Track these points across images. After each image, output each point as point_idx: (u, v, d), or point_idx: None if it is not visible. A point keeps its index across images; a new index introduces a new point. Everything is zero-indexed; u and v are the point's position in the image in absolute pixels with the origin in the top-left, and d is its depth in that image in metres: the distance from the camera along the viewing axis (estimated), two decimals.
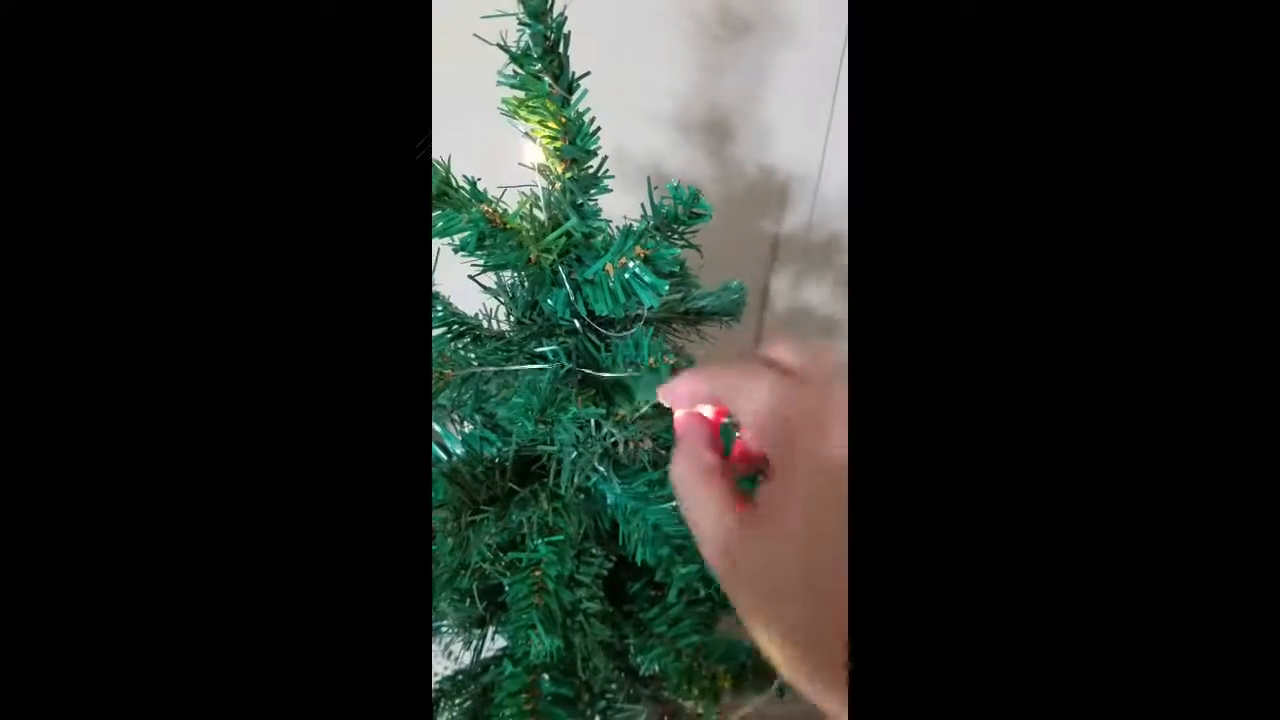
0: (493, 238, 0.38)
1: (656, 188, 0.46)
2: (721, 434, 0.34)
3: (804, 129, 0.79)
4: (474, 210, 0.39)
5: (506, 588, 0.53)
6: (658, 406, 0.44)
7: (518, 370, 0.48)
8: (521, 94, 0.39)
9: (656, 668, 0.53)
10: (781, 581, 0.25)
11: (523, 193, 0.46)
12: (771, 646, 0.25)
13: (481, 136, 0.52)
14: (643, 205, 0.46)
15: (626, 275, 0.40)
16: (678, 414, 0.35)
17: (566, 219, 0.42)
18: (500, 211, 0.40)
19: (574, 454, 0.49)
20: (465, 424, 0.56)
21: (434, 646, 0.64)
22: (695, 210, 0.44)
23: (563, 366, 0.46)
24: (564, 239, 0.41)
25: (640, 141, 0.77)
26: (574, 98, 0.39)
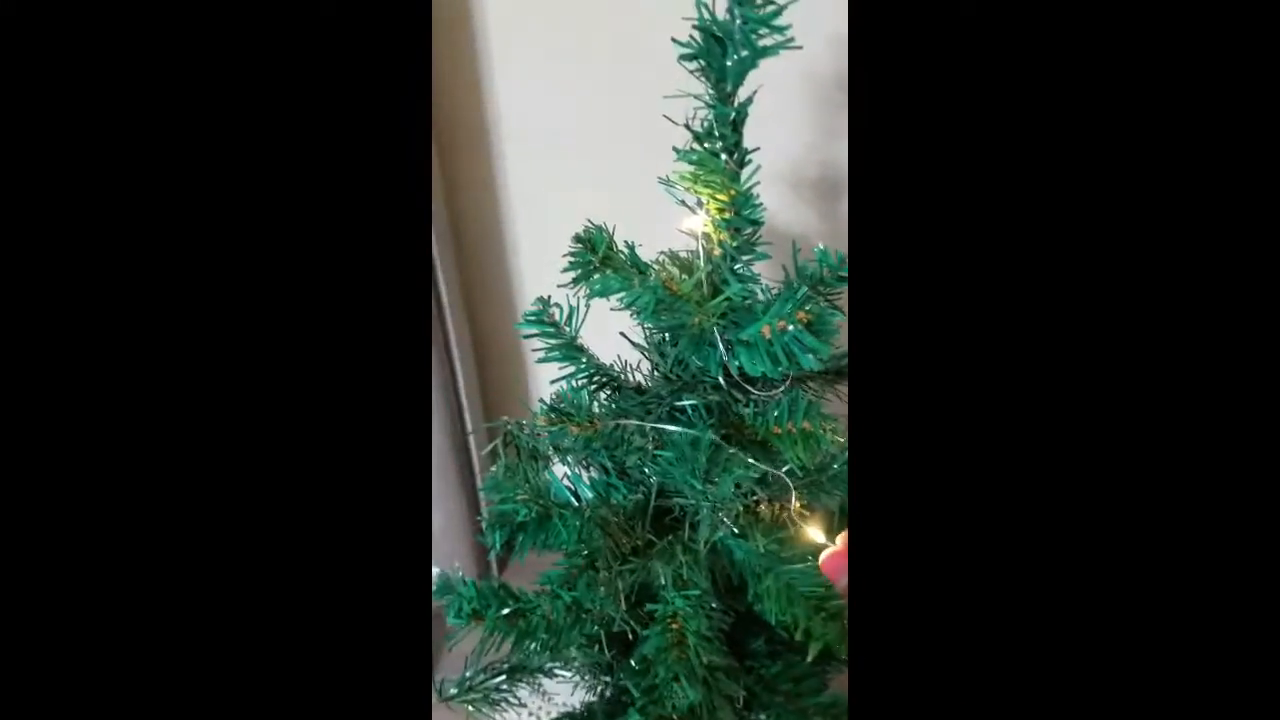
0: (669, 303, 0.40)
1: (800, 250, 0.47)
2: None
3: None
4: (653, 279, 0.41)
5: (632, 636, 0.54)
6: (804, 468, 0.45)
7: (658, 424, 0.49)
8: (696, 168, 0.41)
9: None
10: None
11: (667, 255, 0.48)
12: None
13: (634, 202, 0.55)
14: (784, 267, 0.47)
15: (786, 339, 0.42)
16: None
17: (726, 284, 0.44)
18: (676, 279, 0.42)
19: (710, 508, 0.50)
20: (592, 470, 0.58)
21: (550, 687, 0.65)
22: (841, 274, 0.45)
23: (703, 421, 0.48)
24: (725, 303, 0.43)
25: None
26: (745, 174, 0.41)
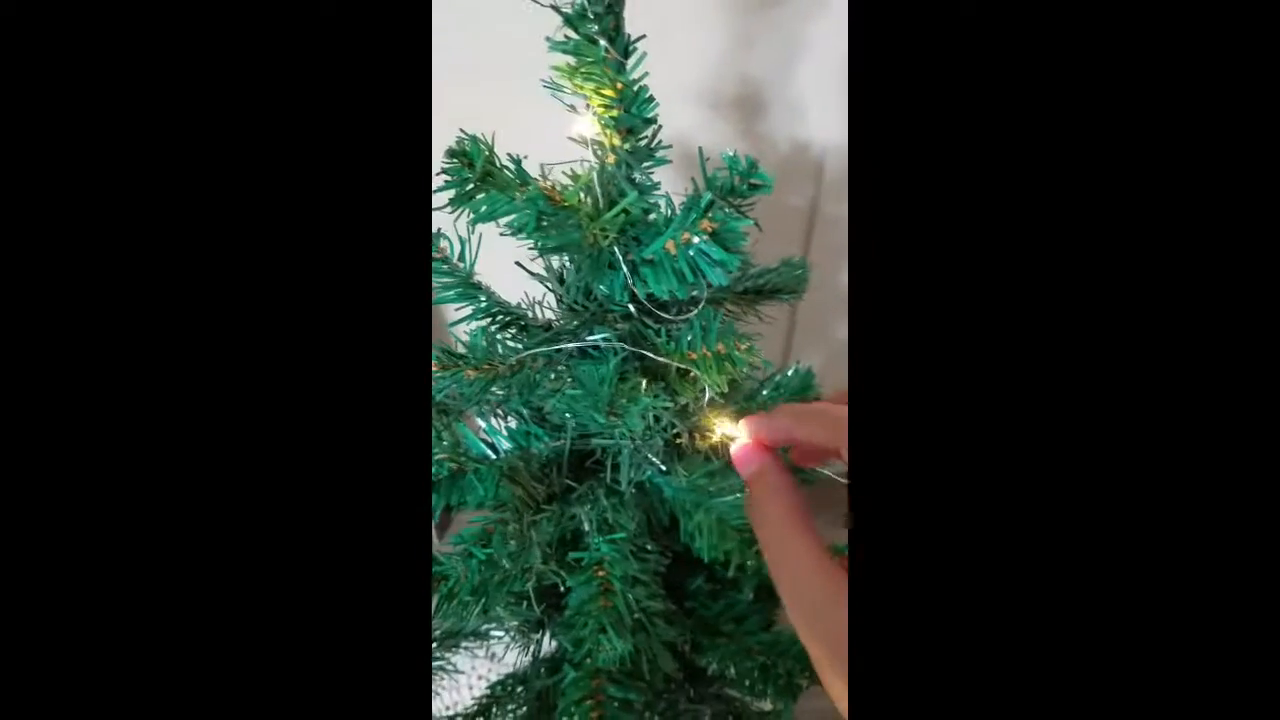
0: (553, 217, 0.36)
1: (709, 159, 0.43)
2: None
3: (839, 101, 0.76)
4: (532, 188, 0.36)
5: (564, 589, 0.51)
6: (725, 394, 0.41)
7: (572, 360, 0.45)
8: (573, 60, 0.36)
9: (726, 667, 0.50)
10: None
11: (569, 170, 0.43)
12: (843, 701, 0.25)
13: (522, 114, 0.49)
14: (693, 180, 0.43)
15: (691, 252, 0.38)
16: (735, 448, 0.34)
17: (623, 195, 0.39)
18: (559, 189, 0.37)
19: (631, 447, 0.46)
20: (510, 419, 0.53)
21: (481, 651, 0.62)
22: (754, 181, 0.41)
23: (617, 354, 0.44)
24: (621, 216, 0.38)
25: (670, 117, 0.74)
26: (630, 63, 0.37)
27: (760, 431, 0.34)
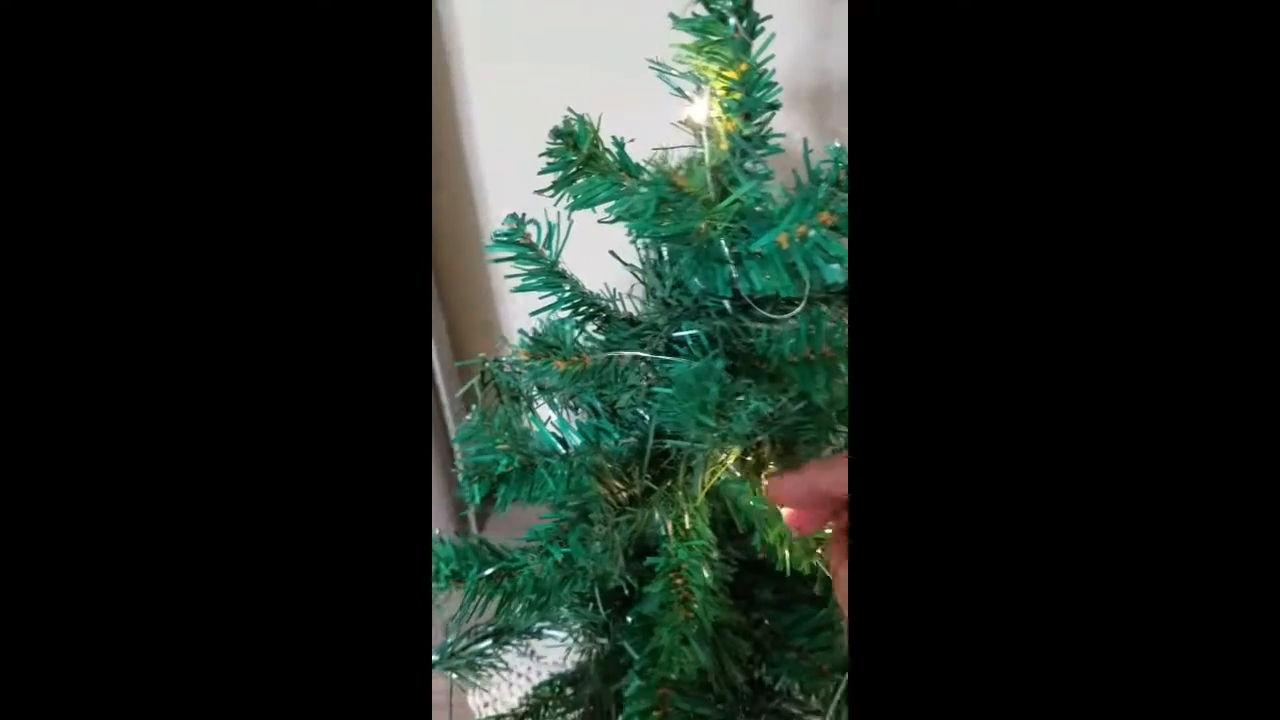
0: (676, 203, 0.33)
1: (812, 150, 0.41)
2: None
3: None
4: (655, 174, 0.34)
5: (628, 593, 0.49)
6: (830, 402, 0.39)
7: (658, 356, 0.43)
8: (699, 38, 0.34)
9: (792, 684, 0.48)
10: None
11: (664, 155, 0.41)
12: None
13: (602, 100, 0.47)
14: (795, 173, 0.41)
15: (807, 246, 0.35)
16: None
17: (734, 184, 0.37)
18: (683, 174, 0.35)
19: (708, 451, 0.44)
20: (580, 411, 0.51)
21: (540, 649, 0.60)
22: None
23: (704, 353, 0.41)
24: (735, 206, 0.36)
25: None
26: (757, 43, 0.34)
27: (782, 494, 0.35)
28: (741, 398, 0.34)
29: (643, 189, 0.33)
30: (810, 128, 0.72)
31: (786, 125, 0.74)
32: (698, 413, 0.34)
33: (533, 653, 0.69)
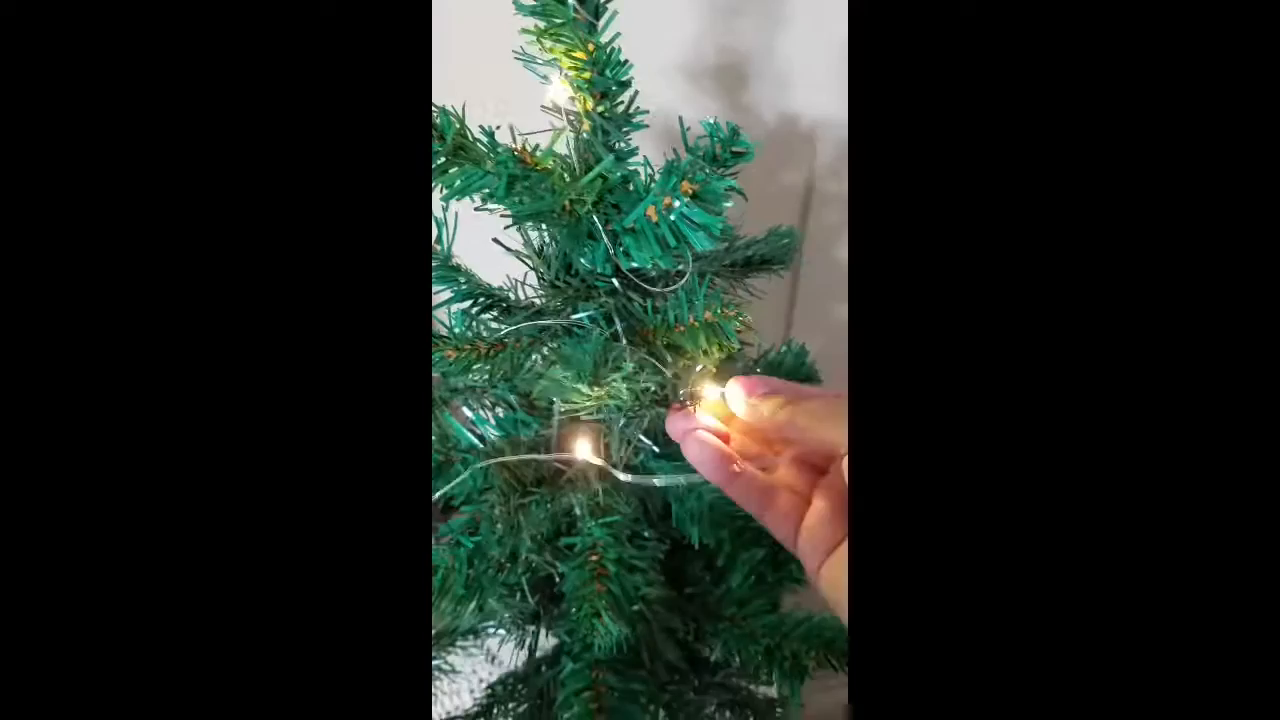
0: (525, 179, 0.34)
1: (690, 127, 0.41)
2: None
3: (826, 74, 0.74)
4: (502, 151, 0.34)
5: (559, 577, 0.49)
6: (718, 368, 0.40)
7: (555, 337, 0.43)
8: (542, 23, 0.34)
9: (731, 654, 0.49)
10: None
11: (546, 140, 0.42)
12: None
13: (495, 86, 0.48)
14: (675, 150, 0.41)
15: (673, 217, 0.36)
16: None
17: (600, 161, 0.37)
18: (531, 150, 0.36)
19: (621, 422, 0.45)
20: (498, 408, 0.52)
21: (481, 654, 0.61)
22: (736, 148, 0.40)
23: (603, 330, 0.42)
24: (599, 182, 0.37)
25: (652, 91, 0.73)
26: (601, 23, 0.35)
27: (753, 390, 0.35)
28: (616, 363, 0.35)
29: (494, 169, 0.34)
30: (720, 105, 0.73)
31: (693, 104, 0.75)
32: (575, 383, 0.35)
33: (493, 658, 0.69)
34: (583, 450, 0.41)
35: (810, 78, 0.73)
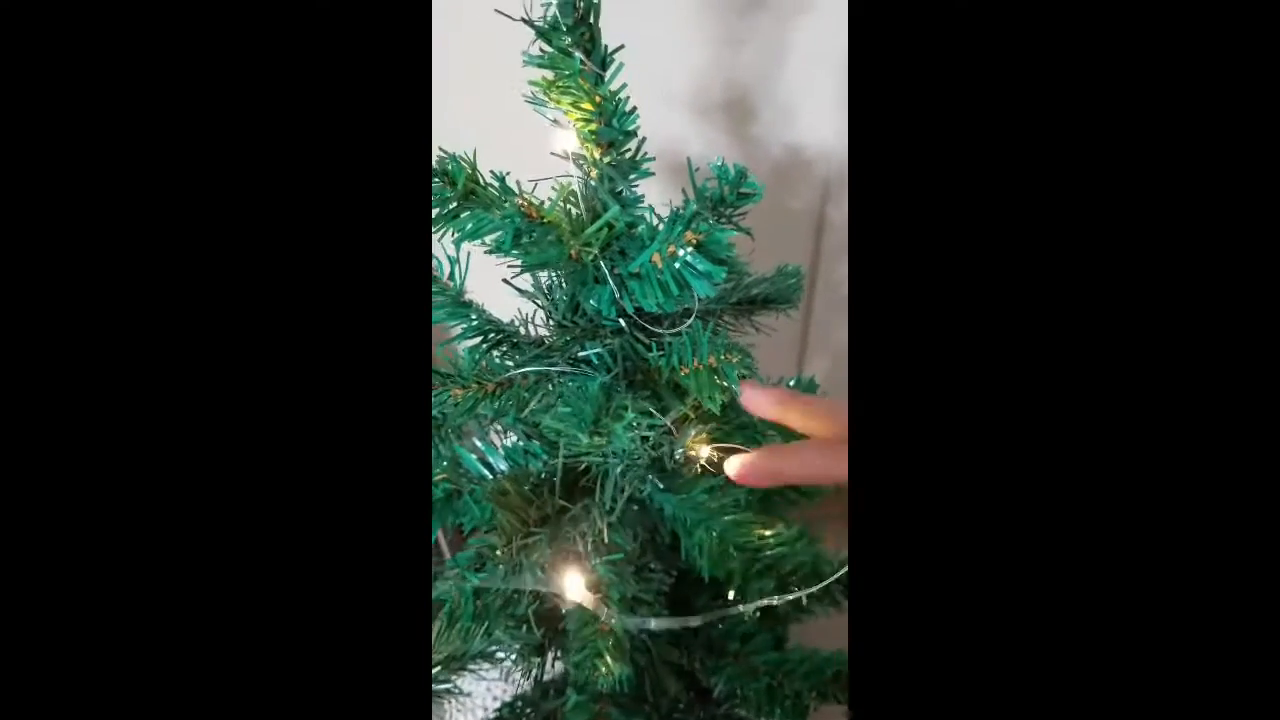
0: (530, 234, 0.35)
1: (698, 169, 0.42)
2: None
3: (830, 102, 0.74)
4: (508, 205, 0.35)
5: (564, 612, 0.50)
6: (726, 409, 0.40)
7: (562, 375, 0.44)
8: (550, 74, 0.35)
9: (734, 688, 0.49)
10: None
11: (556, 185, 0.42)
12: None
13: (507, 130, 0.48)
14: (684, 190, 0.42)
15: (677, 265, 0.37)
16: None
17: (606, 209, 0.38)
18: (536, 205, 0.36)
19: (620, 466, 0.45)
20: (508, 436, 0.53)
21: (490, 675, 0.61)
22: (743, 190, 0.40)
23: (609, 370, 0.43)
24: (605, 231, 0.37)
25: (658, 125, 0.73)
26: (608, 74, 0.36)
27: (758, 400, 0.38)
28: (617, 412, 0.35)
29: (501, 222, 0.35)
30: (725, 139, 0.73)
31: (700, 137, 0.75)
32: (576, 429, 0.35)
33: (507, 675, 0.70)
34: (574, 588, 0.43)
35: (812, 106, 0.74)
